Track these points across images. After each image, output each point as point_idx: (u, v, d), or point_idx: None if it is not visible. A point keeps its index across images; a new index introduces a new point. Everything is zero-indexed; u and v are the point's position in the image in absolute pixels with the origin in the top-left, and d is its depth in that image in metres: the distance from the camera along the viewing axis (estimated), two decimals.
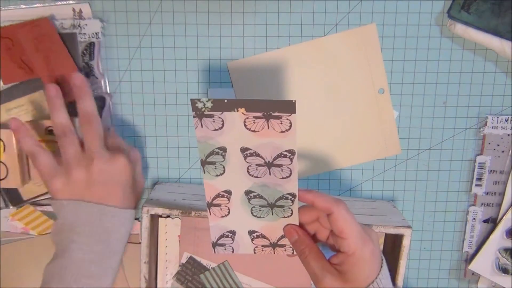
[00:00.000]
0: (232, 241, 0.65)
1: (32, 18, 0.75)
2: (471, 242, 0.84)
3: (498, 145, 0.80)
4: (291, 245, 0.64)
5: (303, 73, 0.78)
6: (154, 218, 0.78)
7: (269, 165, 0.57)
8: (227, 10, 0.77)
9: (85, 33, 0.76)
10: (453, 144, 0.81)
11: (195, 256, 0.81)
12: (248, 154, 0.57)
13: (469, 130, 0.81)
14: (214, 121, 0.54)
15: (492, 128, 0.80)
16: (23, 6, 0.75)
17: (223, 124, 0.54)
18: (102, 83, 0.78)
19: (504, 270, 0.83)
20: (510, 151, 0.80)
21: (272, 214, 0.62)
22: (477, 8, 0.73)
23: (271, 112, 0.53)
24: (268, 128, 0.54)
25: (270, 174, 0.58)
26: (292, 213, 0.62)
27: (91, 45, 0.76)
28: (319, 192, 0.59)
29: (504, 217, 0.82)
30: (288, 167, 0.57)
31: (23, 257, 0.84)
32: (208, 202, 0.61)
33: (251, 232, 0.64)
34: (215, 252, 0.66)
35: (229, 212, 0.62)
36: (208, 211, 0.62)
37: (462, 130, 0.81)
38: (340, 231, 0.57)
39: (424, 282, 0.87)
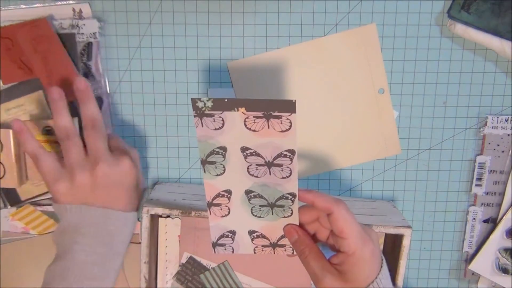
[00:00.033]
0: (232, 241, 0.65)
1: (31, 19, 0.75)
2: (471, 242, 0.84)
3: (498, 145, 0.80)
4: (291, 245, 0.64)
5: (303, 73, 0.78)
6: (154, 218, 0.78)
7: (269, 164, 0.57)
8: (227, 10, 0.77)
9: (83, 33, 0.75)
10: (453, 144, 0.81)
11: (195, 256, 0.81)
12: (248, 154, 0.57)
13: (469, 130, 0.81)
14: (214, 121, 0.54)
15: (492, 128, 0.80)
16: (23, 6, 0.75)
17: (223, 124, 0.54)
18: (102, 82, 0.78)
19: (504, 270, 0.83)
20: (510, 151, 0.80)
21: (272, 214, 0.62)
22: (477, 8, 0.73)
23: (271, 112, 0.53)
24: (268, 127, 0.54)
25: (270, 173, 0.58)
26: (292, 213, 0.62)
27: (89, 45, 0.76)
28: (319, 192, 0.59)
29: (504, 217, 0.82)
30: (288, 167, 0.57)
31: (23, 257, 0.84)
32: (208, 201, 0.61)
33: (251, 232, 0.64)
34: (215, 252, 0.66)
35: (229, 212, 0.62)
36: (208, 210, 0.62)
37: (462, 130, 0.81)
38: (340, 231, 0.57)
39: (424, 282, 0.87)
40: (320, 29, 0.77)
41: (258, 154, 0.56)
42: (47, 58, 0.74)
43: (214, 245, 0.66)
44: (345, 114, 0.80)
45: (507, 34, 0.73)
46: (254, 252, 0.66)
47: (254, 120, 0.53)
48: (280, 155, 0.56)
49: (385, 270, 0.61)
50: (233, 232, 0.64)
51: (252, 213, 0.62)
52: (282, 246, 0.65)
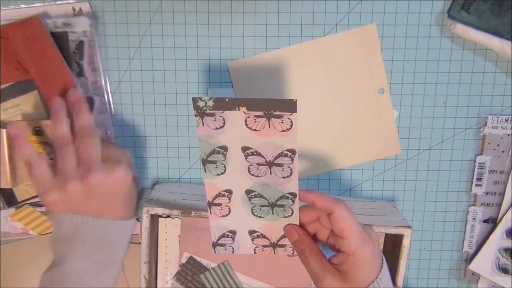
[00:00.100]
0: (232, 241, 0.65)
1: (24, 18, 0.74)
2: (471, 242, 0.84)
3: (498, 145, 0.80)
4: (291, 245, 0.64)
5: (303, 73, 0.78)
6: (154, 218, 0.78)
7: (270, 164, 0.57)
8: (227, 10, 0.77)
9: (75, 32, 0.75)
10: (453, 144, 0.81)
11: (195, 256, 0.81)
12: (249, 153, 0.57)
13: (469, 130, 0.81)
14: (215, 120, 0.54)
15: (492, 128, 0.80)
16: (23, 6, 0.75)
17: (224, 123, 0.54)
18: (100, 82, 0.77)
19: (504, 270, 0.83)
20: (510, 151, 0.80)
21: (273, 214, 0.62)
22: (477, 8, 0.73)
23: (272, 111, 0.53)
24: (269, 127, 0.54)
25: (270, 173, 0.58)
26: (292, 213, 0.62)
27: (80, 43, 0.75)
28: (319, 192, 0.59)
29: (504, 217, 0.82)
30: (289, 167, 0.57)
31: (23, 257, 0.84)
32: (208, 201, 0.61)
33: (251, 232, 0.64)
34: (215, 252, 0.66)
35: (229, 212, 0.62)
36: (209, 210, 0.62)
37: (462, 130, 0.81)
38: (340, 231, 0.57)
39: (424, 282, 0.87)
40: (320, 29, 0.77)
41: (259, 154, 0.56)
42: (40, 57, 0.74)
43: (214, 245, 0.66)
44: (345, 114, 0.80)
45: (507, 34, 0.73)
46: (255, 252, 0.66)
47: (255, 119, 0.53)
48: (280, 155, 0.56)
49: (385, 270, 0.61)
50: (234, 232, 0.64)
51: (252, 213, 0.62)
52: (283, 246, 0.65)
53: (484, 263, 0.84)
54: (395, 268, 0.75)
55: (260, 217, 0.63)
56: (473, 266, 0.84)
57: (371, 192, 0.83)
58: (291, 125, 0.54)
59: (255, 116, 0.53)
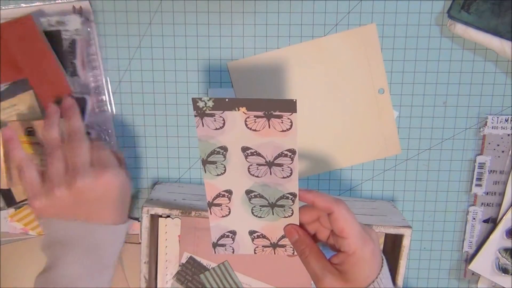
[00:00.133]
0: (232, 241, 0.65)
1: (17, 17, 0.74)
2: (471, 242, 0.84)
3: (498, 145, 0.80)
4: (291, 245, 0.64)
5: (303, 73, 0.78)
6: (154, 218, 0.78)
7: (270, 164, 0.57)
8: (227, 10, 0.77)
9: (68, 30, 0.74)
10: (453, 144, 0.81)
11: (195, 256, 0.81)
12: (249, 154, 0.57)
13: (469, 130, 0.81)
14: (215, 120, 0.54)
15: (492, 128, 0.80)
16: (23, 5, 0.74)
17: (224, 123, 0.54)
18: (103, 81, 0.77)
19: (504, 270, 0.83)
20: (510, 151, 0.80)
21: (273, 214, 0.62)
22: (477, 8, 0.73)
23: (272, 111, 0.53)
24: (269, 127, 0.54)
25: (270, 173, 0.58)
26: (292, 213, 0.62)
27: (73, 42, 0.75)
28: (319, 192, 0.59)
29: (504, 217, 0.82)
30: (288, 167, 0.57)
31: (23, 257, 0.84)
32: (208, 201, 0.61)
33: (251, 232, 0.64)
34: (215, 252, 0.66)
35: (229, 212, 0.62)
36: (209, 211, 0.62)
37: (462, 130, 0.81)
38: (340, 231, 0.57)
39: (424, 282, 0.87)
40: (320, 29, 0.77)
41: (258, 154, 0.56)
42: (33, 57, 0.73)
43: (215, 245, 0.65)
44: (345, 114, 0.80)
45: (507, 34, 0.73)
46: (255, 253, 0.66)
47: (255, 119, 0.53)
48: (280, 155, 0.56)
49: (385, 270, 0.61)
50: (234, 232, 0.64)
51: (252, 213, 0.62)
52: (283, 246, 0.65)
53: (484, 263, 0.84)
54: (395, 268, 0.75)
55: (260, 217, 0.63)
56: (473, 266, 0.84)
57: (371, 192, 0.83)
58: (291, 125, 0.53)
59: (255, 116, 0.53)
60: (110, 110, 0.79)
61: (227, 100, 0.53)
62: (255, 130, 0.54)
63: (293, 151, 0.56)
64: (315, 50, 0.78)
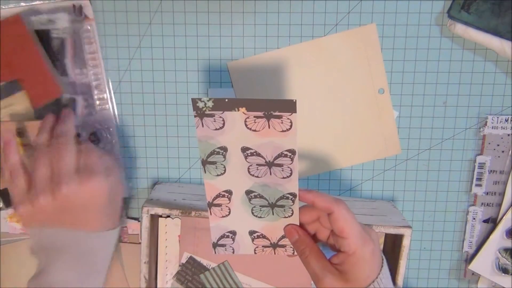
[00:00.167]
0: (232, 242, 0.65)
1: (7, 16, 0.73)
2: (471, 242, 0.84)
3: (498, 145, 0.80)
4: (291, 245, 0.64)
5: (303, 73, 0.78)
6: (154, 218, 0.78)
7: (270, 164, 0.57)
8: (227, 10, 0.77)
9: (57, 28, 0.73)
10: (453, 144, 0.81)
11: (195, 256, 0.81)
12: (249, 154, 0.57)
13: (469, 130, 0.81)
14: (215, 121, 0.54)
15: (492, 128, 0.80)
16: (23, 4, 0.74)
17: (224, 124, 0.54)
18: (104, 78, 0.77)
19: (504, 270, 0.83)
20: (510, 151, 0.80)
21: (273, 214, 0.62)
22: (477, 8, 0.73)
23: (271, 112, 0.53)
24: (269, 127, 0.54)
25: (270, 173, 0.58)
26: (292, 213, 0.62)
27: (63, 41, 0.74)
28: (319, 192, 0.59)
29: (504, 217, 0.82)
30: (288, 167, 0.57)
31: (23, 257, 0.84)
32: (208, 202, 0.61)
33: (251, 233, 0.64)
34: (215, 252, 0.66)
35: (229, 212, 0.62)
36: (209, 211, 0.62)
37: (462, 130, 0.81)
38: (340, 231, 0.57)
39: (424, 282, 0.87)
40: (320, 29, 0.77)
41: (258, 154, 0.56)
42: (23, 57, 0.72)
43: (215, 245, 0.65)
44: (345, 114, 0.80)
45: (507, 34, 0.73)
46: (255, 253, 0.66)
47: (255, 120, 0.53)
48: (280, 155, 0.56)
49: (385, 269, 0.61)
50: (234, 233, 0.64)
51: (252, 213, 0.62)
52: (283, 246, 0.65)
53: (484, 263, 0.84)
54: (395, 268, 0.75)
55: (260, 217, 0.63)
56: (473, 266, 0.84)
57: (371, 192, 0.83)
58: (291, 126, 0.53)
59: (254, 116, 0.53)
60: (111, 108, 0.79)
61: (226, 100, 0.53)
62: (255, 131, 0.54)
63: (293, 151, 0.56)
64: (315, 50, 0.78)
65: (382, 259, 0.61)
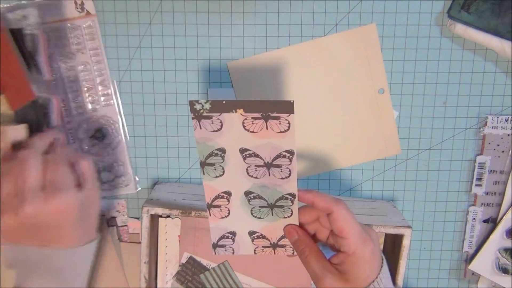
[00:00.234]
0: (232, 242, 0.65)
1: None
2: (471, 242, 0.84)
3: (498, 145, 0.80)
4: (291, 245, 0.64)
5: (303, 73, 0.78)
6: (154, 218, 0.78)
7: (269, 165, 0.57)
8: (227, 10, 0.77)
9: (29, 24, 0.71)
10: (453, 144, 0.81)
11: (195, 256, 0.81)
12: (247, 155, 0.57)
13: (469, 130, 0.81)
14: (212, 123, 0.54)
15: (492, 128, 0.80)
16: (24, 2, 0.74)
17: (221, 125, 0.54)
18: (108, 74, 0.77)
19: (504, 270, 0.83)
20: (510, 151, 0.80)
21: (272, 215, 0.62)
22: (477, 8, 0.72)
23: (269, 113, 0.53)
24: (267, 128, 0.54)
25: (269, 174, 0.58)
26: (292, 213, 0.62)
27: (33, 37, 0.71)
28: (318, 192, 0.59)
29: (504, 217, 0.82)
30: (287, 167, 0.57)
31: None
32: (208, 203, 0.61)
33: (251, 233, 0.64)
34: (215, 253, 0.66)
35: (229, 213, 0.62)
36: (208, 212, 0.62)
37: (462, 130, 0.81)
38: (340, 231, 0.57)
39: (424, 282, 0.87)
40: (320, 29, 0.77)
41: (257, 155, 0.56)
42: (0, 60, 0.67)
43: (215, 246, 0.66)
44: (345, 114, 0.80)
45: (507, 34, 0.72)
46: (255, 253, 0.66)
47: (253, 121, 0.53)
48: (279, 156, 0.56)
49: (385, 269, 0.61)
50: (233, 233, 0.64)
51: (252, 214, 0.62)
52: (283, 246, 0.65)
53: (484, 263, 0.84)
54: (395, 268, 0.75)
55: (260, 218, 0.63)
56: (473, 266, 0.84)
57: (371, 192, 0.83)
58: (289, 126, 0.53)
59: (252, 118, 0.53)
60: (116, 104, 0.79)
61: (224, 102, 0.53)
62: (253, 132, 0.54)
63: (291, 152, 0.56)
64: (315, 50, 0.78)
65: (382, 259, 0.61)
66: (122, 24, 0.77)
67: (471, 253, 0.85)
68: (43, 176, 0.61)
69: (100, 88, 0.78)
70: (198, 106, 0.53)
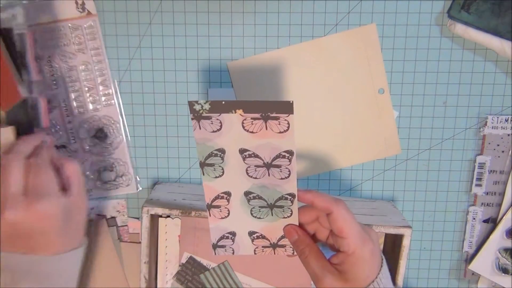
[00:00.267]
0: (232, 243, 0.65)
1: None
2: (471, 242, 0.84)
3: (498, 145, 0.80)
4: (291, 245, 0.64)
5: (303, 73, 0.78)
6: (154, 218, 0.78)
7: (268, 166, 0.57)
8: (227, 10, 0.77)
9: (19, 23, 0.69)
10: (453, 144, 0.81)
11: (195, 256, 0.81)
12: (247, 155, 0.57)
13: (469, 130, 0.80)
14: (212, 123, 0.54)
15: (492, 128, 0.80)
16: (25, 2, 0.74)
17: (221, 126, 0.54)
18: (109, 73, 0.77)
19: (504, 270, 0.83)
20: (510, 151, 0.80)
21: (272, 215, 0.62)
22: (477, 8, 0.72)
23: (269, 113, 0.53)
24: (266, 129, 0.54)
25: (269, 175, 0.58)
26: (291, 213, 0.62)
27: (22, 37, 0.69)
28: (318, 192, 0.59)
29: (504, 217, 0.82)
30: (287, 168, 0.57)
31: None
32: (207, 203, 0.61)
33: (251, 233, 0.64)
34: (215, 253, 0.66)
35: (228, 214, 0.62)
36: (208, 212, 0.62)
37: (462, 130, 0.81)
38: (339, 231, 0.57)
39: (424, 282, 0.87)
40: (320, 29, 0.77)
41: (256, 156, 0.56)
42: None
43: (214, 246, 0.66)
44: (345, 114, 0.80)
45: (507, 34, 0.72)
46: (255, 253, 0.66)
47: (252, 121, 0.53)
48: (278, 156, 0.56)
49: (385, 269, 0.61)
50: (233, 234, 0.64)
51: (251, 214, 0.62)
52: (282, 246, 0.65)
53: (484, 263, 0.84)
54: (395, 268, 0.75)
55: (260, 218, 0.63)
56: (473, 266, 0.84)
57: (371, 192, 0.83)
58: (288, 127, 0.54)
59: (251, 118, 0.53)
60: (117, 104, 0.79)
61: (223, 102, 0.53)
62: (252, 132, 0.54)
63: (290, 152, 0.56)
64: (315, 50, 0.78)
65: (382, 259, 0.61)
66: (122, 24, 0.77)
67: (471, 253, 0.85)
68: (26, 181, 0.59)
69: (101, 88, 0.78)
70: (197, 107, 0.53)
